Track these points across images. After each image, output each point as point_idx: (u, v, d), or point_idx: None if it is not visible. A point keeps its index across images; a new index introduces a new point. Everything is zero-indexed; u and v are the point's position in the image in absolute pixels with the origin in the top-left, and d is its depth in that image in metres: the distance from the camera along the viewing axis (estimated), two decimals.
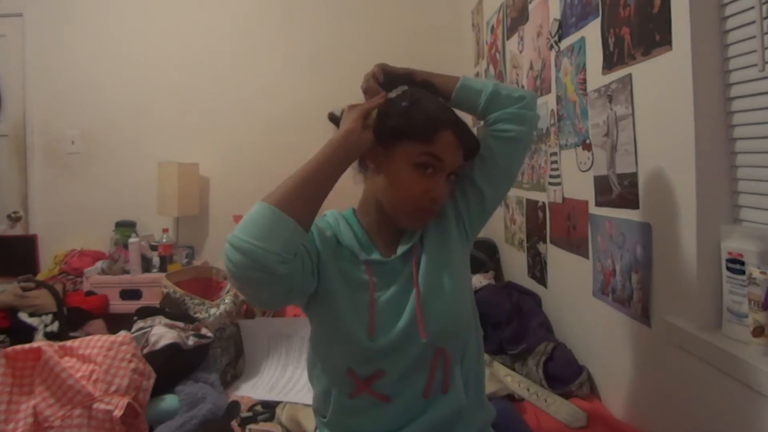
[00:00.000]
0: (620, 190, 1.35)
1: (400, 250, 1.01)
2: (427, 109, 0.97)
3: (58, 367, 1.27)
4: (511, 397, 1.49)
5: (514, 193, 2.29)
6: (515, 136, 1.05)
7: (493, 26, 2.57)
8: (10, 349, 1.29)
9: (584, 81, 1.52)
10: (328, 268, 0.97)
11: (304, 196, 0.89)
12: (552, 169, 1.82)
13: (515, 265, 2.32)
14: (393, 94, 1.01)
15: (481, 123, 1.11)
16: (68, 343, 1.39)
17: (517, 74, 2.19)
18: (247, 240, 0.83)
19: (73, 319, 2.38)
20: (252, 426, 1.43)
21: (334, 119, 1.06)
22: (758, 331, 0.92)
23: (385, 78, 1.06)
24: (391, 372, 0.95)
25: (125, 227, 3.09)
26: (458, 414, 0.99)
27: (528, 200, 2.10)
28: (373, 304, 0.96)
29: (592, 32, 1.46)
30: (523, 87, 1.54)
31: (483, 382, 1.08)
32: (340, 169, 0.94)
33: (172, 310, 1.84)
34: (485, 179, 1.06)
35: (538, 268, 2.01)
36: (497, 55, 2.49)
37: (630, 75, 1.27)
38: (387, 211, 1.01)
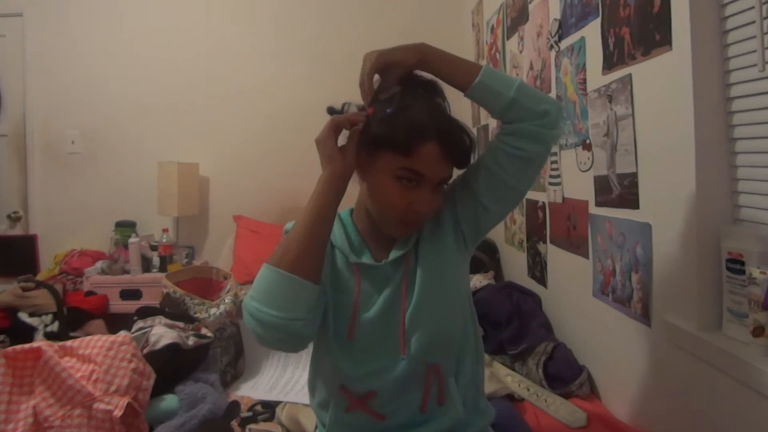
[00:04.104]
0: (620, 190, 1.34)
1: (393, 255, 0.97)
2: (411, 118, 0.88)
3: (58, 367, 1.27)
4: (511, 397, 1.49)
5: None
6: (529, 156, 0.92)
7: (493, 26, 2.57)
8: (10, 349, 1.29)
9: (584, 81, 1.52)
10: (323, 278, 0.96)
11: (314, 251, 0.88)
12: (552, 169, 1.82)
13: (515, 265, 2.32)
14: (383, 96, 0.93)
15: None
16: (68, 343, 1.39)
17: (517, 74, 2.19)
18: (271, 313, 0.84)
19: (73, 319, 2.38)
20: (252, 426, 1.43)
21: (334, 113, 1.00)
22: (758, 331, 0.92)
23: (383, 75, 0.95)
24: (384, 392, 0.95)
25: (125, 227, 3.08)
26: (456, 423, 0.98)
27: (528, 200, 2.09)
28: (357, 307, 0.95)
29: (592, 32, 1.46)
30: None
31: (481, 386, 1.07)
32: (336, 202, 0.91)
33: (172, 310, 1.84)
34: (490, 194, 0.96)
35: (538, 268, 2.01)
36: (497, 55, 2.49)
37: (630, 75, 1.27)
38: (374, 218, 0.98)
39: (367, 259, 0.98)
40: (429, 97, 0.95)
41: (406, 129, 0.87)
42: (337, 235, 1.00)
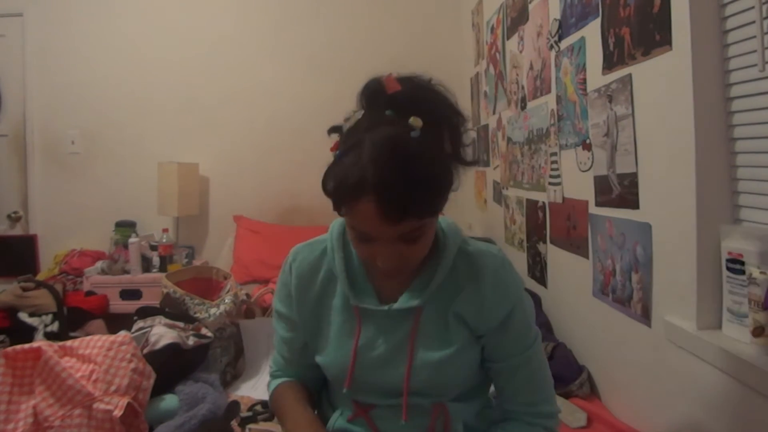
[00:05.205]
0: (620, 190, 1.34)
1: (403, 302, 0.86)
2: (346, 169, 0.72)
3: (58, 367, 1.27)
4: None
5: (514, 193, 2.29)
6: None
7: (493, 26, 2.57)
8: (10, 349, 1.29)
9: (584, 81, 1.52)
10: (314, 320, 0.92)
11: None
12: (552, 169, 1.82)
13: (515, 265, 2.31)
14: (345, 126, 0.78)
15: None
16: (68, 343, 1.39)
17: (517, 74, 2.19)
18: None
19: (73, 319, 2.38)
20: (252, 426, 1.43)
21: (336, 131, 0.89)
22: (758, 331, 0.92)
23: None
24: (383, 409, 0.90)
25: (125, 227, 3.09)
26: None
27: (528, 200, 2.09)
28: (356, 356, 0.87)
29: (592, 32, 1.46)
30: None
31: (489, 416, 0.98)
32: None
33: (172, 310, 1.84)
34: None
35: (538, 268, 2.01)
36: (497, 55, 2.49)
37: (630, 75, 1.27)
38: None
39: (370, 302, 0.87)
40: (396, 119, 0.73)
41: (337, 184, 0.73)
42: (337, 267, 0.89)
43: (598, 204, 1.48)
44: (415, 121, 0.72)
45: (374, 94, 0.76)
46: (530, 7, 1.99)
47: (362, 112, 0.77)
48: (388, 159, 0.69)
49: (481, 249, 0.90)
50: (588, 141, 1.52)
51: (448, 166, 0.76)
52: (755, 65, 0.94)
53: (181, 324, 1.69)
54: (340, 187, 0.72)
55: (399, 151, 0.70)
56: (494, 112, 2.60)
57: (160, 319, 1.69)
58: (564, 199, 1.72)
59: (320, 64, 3.21)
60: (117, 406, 1.24)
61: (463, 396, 0.92)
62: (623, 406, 1.39)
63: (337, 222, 0.92)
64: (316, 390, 1.01)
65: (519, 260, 2.23)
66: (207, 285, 2.18)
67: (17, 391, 1.27)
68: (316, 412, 0.97)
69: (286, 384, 0.98)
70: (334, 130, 0.80)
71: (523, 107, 2.12)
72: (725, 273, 1.02)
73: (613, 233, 1.39)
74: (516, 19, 2.18)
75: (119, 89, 3.22)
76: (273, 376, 1.02)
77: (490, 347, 0.89)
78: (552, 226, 1.85)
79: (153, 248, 2.90)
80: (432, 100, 0.77)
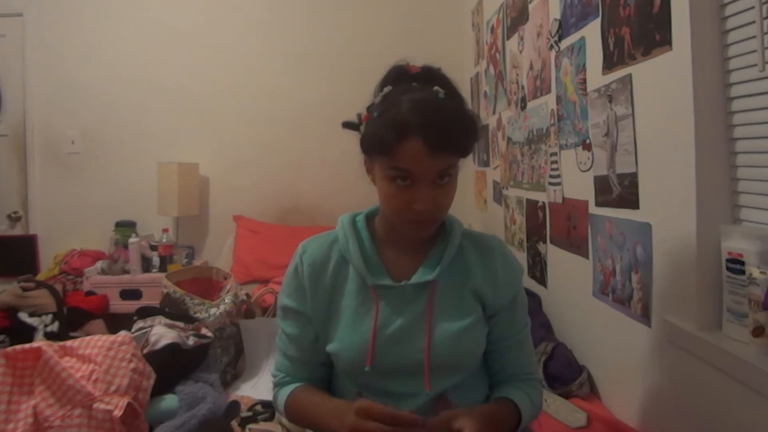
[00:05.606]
0: (620, 190, 1.35)
1: (417, 277, 0.93)
2: (391, 116, 0.84)
3: (58, 367, 1.27)
4: None
5: (514, 193, 2.29)
6: None
7: (493, 26, 2.57)
8: (10, 349, 1.29)
9: (584, 81, 1.52)
10: (326, 309, 0.95)
11: None
12: (552, 169, 1.82)
13: None
14: (376, 99, 0.90)
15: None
16: (68, 343, 1.39)
17: (517, 74, 2.19)
18: None
19: (73, 319, 2.38)
20: (252, 426, 1.43)
21: (351, 126, 0.96)
22: (758, 331, 0.92)
23: None
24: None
25: (125, 227, 3.09)
26: None
27: (528, 200, 2.09)
28: (375, 334, 0.90)
29: (592, 32, 1.46)
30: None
31: None
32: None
33: (172, 310, 1.84)
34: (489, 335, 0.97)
35: (538, 268, 2.01)
36: (497, 55, 2.49)
37: (630, 75, 1.27)
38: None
39: (385, 280, 0.93)
40: (423, 87, 0.88)
41: (385, 129, 0.84)
42: (351, 250, 0.95)
43: (598, 204, 1.48)
44: (439, 89, 0.88)
45: (399, 74, 0.91)
46: (530, 7, 1.99)
47: (390, 87, 0.89)
48: (426, 106, 0.84)
49: (482, 233, 1.03)
50: (588, 141, 1.52)
51: (472, 116, 0.90)
52: (755, 65, 0.94)
53: (181, 324, 1.69)
54: (387, 134, 0.83)
55: (432, 102, 0.85)
56: (494, 112, 2.60)
57: (160, 319, 1.70)
58: (564, 199, 1.72)
59: (320, 63, 3.21)
60: (117, 406, 1.25)
61: (466, 386, 0.95)
62: (623, 406, 1.39)
63: (346, 215, 1.00)
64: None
65: (519, 260, 2.23)
66: (207, 285, 2.19)
67: (17, 391, 1.27)
68: None
69: (301, 388, 0.98)
70: (347, 125, 0.94)
71: (523, 107, 2.12)
72: (725, 273, 1.02)
73: (613, 233, 1.39)
74: (516, 19, 2.18)
75: (119, 89, 3.22)
76: (280, 384, 1.01)
77: (500, 325, 0.97)
78: (552, 226, 1.86)
79: (153, 248, 2.90)
80: (448, 80, 0.92)
